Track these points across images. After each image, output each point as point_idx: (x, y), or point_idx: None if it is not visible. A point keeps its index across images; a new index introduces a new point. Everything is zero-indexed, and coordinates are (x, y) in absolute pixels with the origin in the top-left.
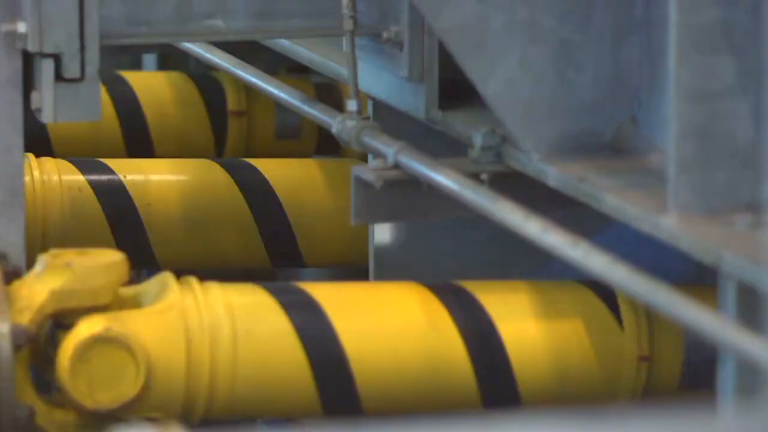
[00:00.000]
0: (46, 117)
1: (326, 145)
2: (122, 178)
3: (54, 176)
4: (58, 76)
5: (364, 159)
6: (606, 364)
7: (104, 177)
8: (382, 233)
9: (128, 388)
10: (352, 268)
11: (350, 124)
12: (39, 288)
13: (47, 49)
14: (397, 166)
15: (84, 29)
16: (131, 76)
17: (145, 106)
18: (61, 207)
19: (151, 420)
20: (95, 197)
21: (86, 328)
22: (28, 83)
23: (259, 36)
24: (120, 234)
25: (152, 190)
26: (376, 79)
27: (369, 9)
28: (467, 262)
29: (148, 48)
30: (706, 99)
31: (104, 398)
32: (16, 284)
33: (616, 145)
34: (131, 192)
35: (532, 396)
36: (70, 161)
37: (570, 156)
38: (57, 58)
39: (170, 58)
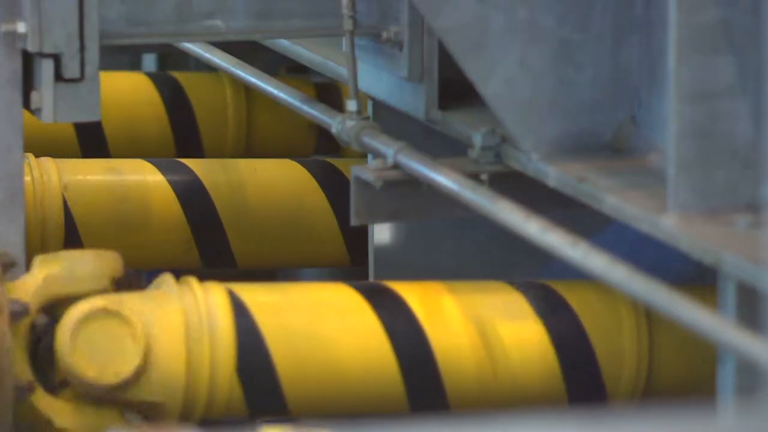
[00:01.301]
0: (46, 117)
1: (326, 145)
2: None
3: (54, 176)
4: (58, 76)
5: (364, 159)
6: (606, 364)
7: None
8: (382, 233)
9: (128, 364)
10: (352, 269)
11: (350, 124)
12: (32, 278)
13: (47, 49)
14: (396, 166)
15: (84, 29)
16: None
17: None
18: (61, 207)
19: (150, 420)
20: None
21: (86, 303)
22: (28, 83)
23: (259, 36)
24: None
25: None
26: (376, 79)
27: (369, 9)
28: (467, 262)
29: (148, 48)
30: (706, 99)
31: (104, 373)
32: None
33: (616, 145)
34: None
35: (532, 396)
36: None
37: (570, 156)
38: (57, 58)
39: (170, 58)
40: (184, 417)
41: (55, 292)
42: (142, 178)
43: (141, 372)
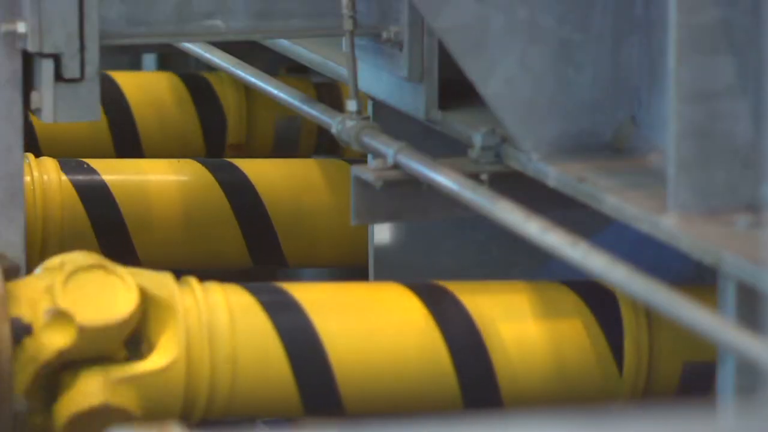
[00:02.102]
0: (46, 117)
1: (326, 145)
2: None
3: (54, 176)
4: (58, 76)
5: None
6: (606, 364)
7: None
8: (382, 233)
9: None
10: (352, 269)
11: (350, 124)
12: (46, 343)
13: (47, 49)
14: (396, 166)
15: (84, 29)
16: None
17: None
18: (62, 207)
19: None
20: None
21: (81, 396)
22: (28, 83)
23: (259, 36)
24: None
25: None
26: (376, 79)
27: (369, 9)
28: (467, 262)
29: (147, 48)
30: (706, 99)
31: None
32: (25, 339)
33: (616, 145)
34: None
35: (532, 396)
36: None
37: (570, 156)
38: (57, 58)
39: (170, 58)
40: (184, 417)
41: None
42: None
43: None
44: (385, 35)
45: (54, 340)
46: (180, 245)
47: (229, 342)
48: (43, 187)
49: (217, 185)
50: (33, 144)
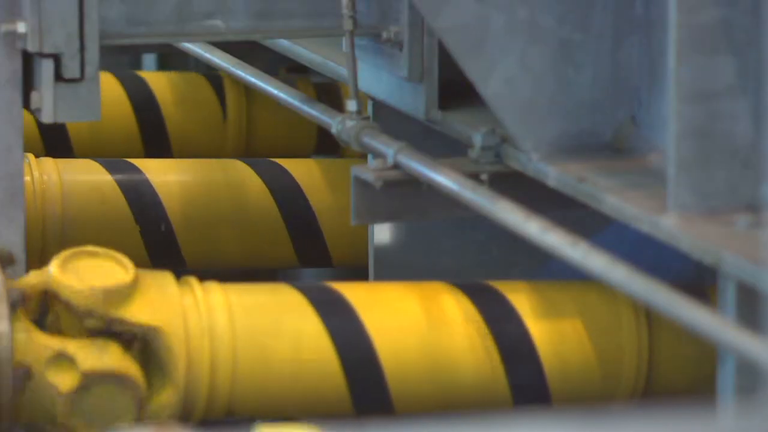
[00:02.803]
0: (46, 117)
1: (326, 145)
2: (126, 178)
3: (54, 176)
4: (58, 76)
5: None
6: (606, 364)
7: (106, 177)
8: (382, 233)
9: (126, 419)
10: (352, 269)
11: (350, 124)
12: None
13: (47, 49)
14: (396, 166)
15: (84, 29)
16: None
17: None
18: (62, 207)
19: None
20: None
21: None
22: (28, 83)
23: (259, 36)
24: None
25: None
26: (376, 79)
27: (369, 9)
28: (467, 262)
29: (147, 48)
30: (706, 99)
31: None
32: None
33: (616, 145)
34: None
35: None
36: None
37: (570, 156)
38: (57, 58)
39: (170, 58)
40: (184, 417)
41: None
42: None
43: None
44: (385, 35)
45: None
46: (227, 245)
47: (229, 342)
48: (43, 187)
49: (263, 185)
50: (66, 145)
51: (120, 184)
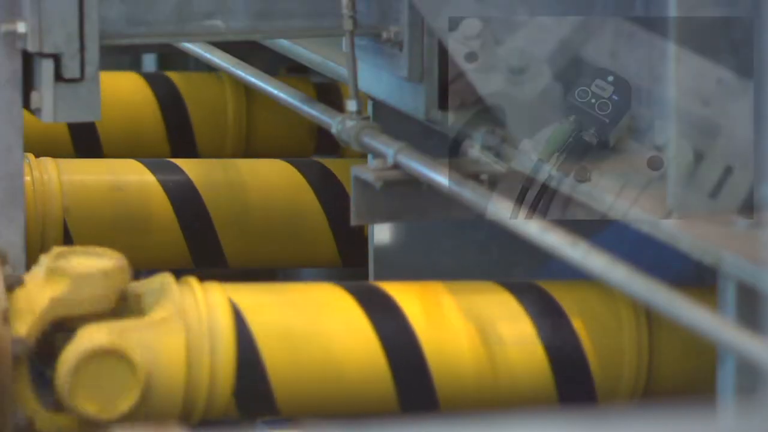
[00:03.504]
0: (46, 117)
1: (326, 145)
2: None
3: (54, 176)
4: (58, 76)
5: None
6: (606, 364)
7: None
8: (382, 233)
9: (127, 401)
10: (352, 269)
11: (350, 124)
12: (39, 295)
13: (47, 49)
14: (396, 166)
15: (84, 29)
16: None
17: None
18: (62, 207)
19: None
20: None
21: (86, 339)
22: (28, 83)
23: (259, 36)
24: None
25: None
26: (376, 79)
27: (369, 9)
28: (467, 262)
29: (147, 48)
30: (705, 99)
31: (102, 411)
32: (17, 290)
33: (616, 145)
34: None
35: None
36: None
37: (569, 156)
38: (57, 58)
39: (170, 58)
40: (184, 417)
41: (62, 314)
42: (138, 178)
43: (140, 405)
44: (385, 35)
45: (48, 291)
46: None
47: (229, 342)
48: (43, 187)
49: (306, 183)
50: (96, 144)
51: (120, 184)
